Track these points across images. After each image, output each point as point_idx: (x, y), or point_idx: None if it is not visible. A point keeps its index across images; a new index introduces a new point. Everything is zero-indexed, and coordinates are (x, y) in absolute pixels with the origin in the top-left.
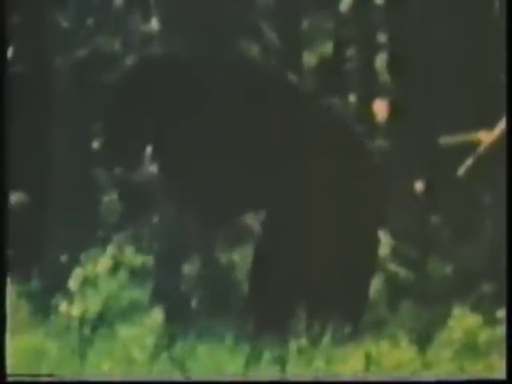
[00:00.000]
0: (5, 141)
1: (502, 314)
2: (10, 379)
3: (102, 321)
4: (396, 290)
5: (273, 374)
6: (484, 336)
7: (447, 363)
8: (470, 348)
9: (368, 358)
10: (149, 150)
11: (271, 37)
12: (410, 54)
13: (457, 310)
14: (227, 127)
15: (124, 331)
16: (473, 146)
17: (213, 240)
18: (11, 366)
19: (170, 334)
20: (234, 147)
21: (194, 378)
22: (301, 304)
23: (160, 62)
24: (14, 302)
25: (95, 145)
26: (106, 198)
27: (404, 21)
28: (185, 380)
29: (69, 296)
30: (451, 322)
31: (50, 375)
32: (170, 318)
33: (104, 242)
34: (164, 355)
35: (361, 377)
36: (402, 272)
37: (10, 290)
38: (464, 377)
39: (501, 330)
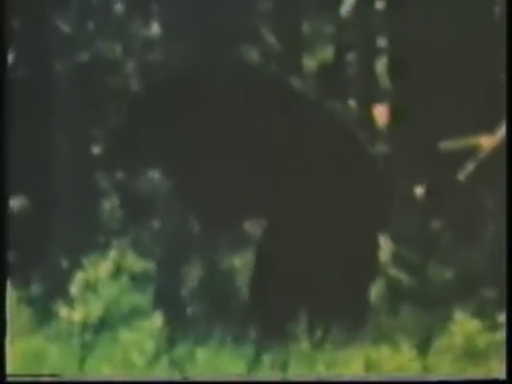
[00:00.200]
0: (5, 145)
1: (502, 318)
2: (9, 379)
3: (103, 325)
4: (397, 295)
5: (274, 378)
6: (484, 341)
7: (447, 368)
8: (471, 353)
9: (369, 362)
10: (151, 156)
11: (271, 41)
12: (410, 58)
13: (457, 315)
14: (229, 132)
15: (124, 335)
16: (474, 150)
17: (214, 245)
18: (12, 370)
19: (170, 339)
20: (235, 152)
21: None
22: (302, 308)
23: (162, 69)
24: (14, 306)
25: (96, 150)
26: (107, 203)
27: (404, 25)
28: (183, 381)
29: (70, 301)
30: (452, 327)
31: (49, 375)
32: (170, 322)
33: (105, 247)
34: (164, 359)
35: (362, 378)
36: (403, 276)
37: (11, 295)
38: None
39: (501, 335)
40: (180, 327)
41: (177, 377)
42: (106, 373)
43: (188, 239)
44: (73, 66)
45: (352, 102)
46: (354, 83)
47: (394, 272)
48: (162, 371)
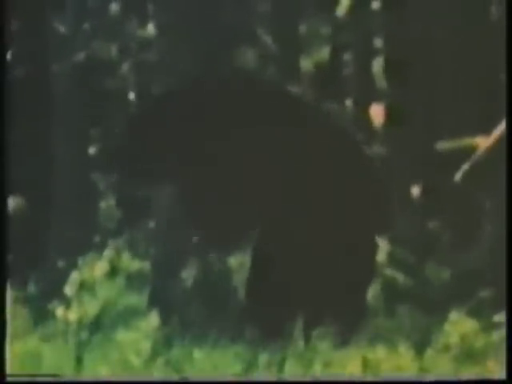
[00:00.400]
0: (4, 145)
1: (498, 319)
2: (9, 379)
3: (99, 325)
4: (393, 295)
5: (270, 378)
6: (481, 341)
7: (444, 368)
8: (467, 353)
9: (365, 363)
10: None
11: (268, 42)
12: (406, 58)
13: (454, 315)
14: (224, 134)
15: (121, 336)
16: (470, 151)
17: (210, 245)
18: (9, 370)
19: (167, 339)
20: (232, 153)
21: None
22: (298, 308)
23: (157, 70)
24: (10, 306)
25: (93, 151)
26: (103, 204)
27: (400, 25)
28: (180, 381)
29: (66, 301)
30: (448, 327)
31: (48, 375)
32: (166, 322)
33: (101, 247)
34: (160, 360)
35: (358, 379)
36: (400, 277)
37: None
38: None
39: (497, 335)
40: (176, 327)
41: (173, 377)
42: (103, 373)
43: (184, 240)
44: (69, 67)
45: (348, 103)
46: (351, 83)
47: (390, 272)
48: (158, 371)
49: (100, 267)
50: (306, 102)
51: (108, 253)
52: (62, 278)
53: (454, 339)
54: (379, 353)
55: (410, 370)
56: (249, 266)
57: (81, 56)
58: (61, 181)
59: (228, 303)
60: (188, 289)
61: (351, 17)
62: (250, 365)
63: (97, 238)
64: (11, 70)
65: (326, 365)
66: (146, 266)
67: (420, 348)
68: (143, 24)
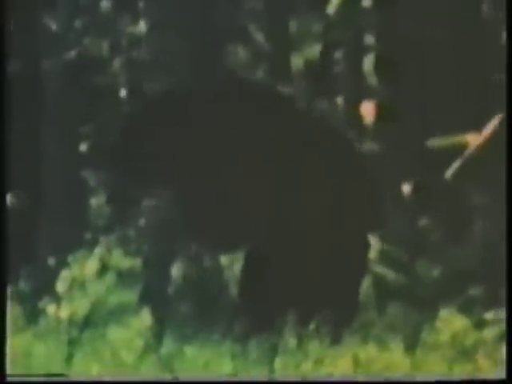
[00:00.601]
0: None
1: (490, 316)
2: (9, 379)
3: (90, 323)
4: (384, 293)
5: (261, 375)
6: (472, 338)
7: (435, 365)
8: (458, 350)
9: (356, 361)
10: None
11: (260, 40)
12: (397, 56)
13: (445, 313)
14: (217, 135)
15: (112, 333)
16: (461, 148)
17: (201, 242)
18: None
19: (158, 336)
20: (225, 153)
21: (182, 379)
22: (290, 306)
23: (149, 68)
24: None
25: (83, 148)
26: (94, 201)
27: (392, 23)
28: (173, 380)
29: (57, 298)
30: (439, 325)
31: (49, 375)
32: (158, 319)
33: (92, 245)
34: (152, 357)
35: (349, 377)
36: (391, 274)
37: None
38: (454, 378)
39: (488, 333)
40: (168, 324)
41: (165, 374)
42: (94, 370)
43: (175, 237)
44: (61, 64)
45: (340, 100)
46: (342, 81)
47: (381, 270)
48: (150, 369)
49: (91, 264)
50: (297, 101)
51: (99, 250)
52: (53, 275)
53: (444, 336)
54: (370, 350)
55: (401, 368)
56: (241, 264)
57: (72, 53)
58: (51, 178)
59: (219, 300)
60: (179, 286)
61: (342, 14)
62: (241, 362)
63: (88, 236)
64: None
65: (317, 362)
66: (137, 263)
67: (411, 345)
68: (134, 21)
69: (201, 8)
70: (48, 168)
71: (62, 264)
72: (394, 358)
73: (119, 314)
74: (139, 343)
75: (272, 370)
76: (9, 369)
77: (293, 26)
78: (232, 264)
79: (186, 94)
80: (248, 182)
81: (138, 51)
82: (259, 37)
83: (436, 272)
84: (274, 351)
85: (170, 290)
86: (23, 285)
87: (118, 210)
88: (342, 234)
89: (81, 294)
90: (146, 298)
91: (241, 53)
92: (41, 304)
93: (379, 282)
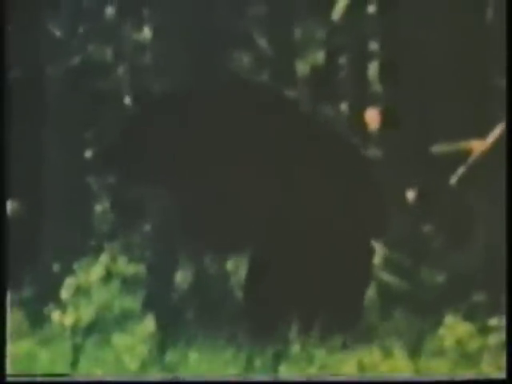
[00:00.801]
0: (3, 148)
1: (493, 322)
2: (9, 379)
3: (95, 329)
4: (388, 299)
5: (265, 381)
6: (475, 344)
7: (439, 371)
8: (462, 356)
9: (361, 366)
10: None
11: (263, 46)
12: (402, 62)
13: (449, 319)
14: (220, 138)
15: (116, 340)
16: (465, 154)
17: (206, 249)
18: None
19: (162, 343)
20: (229, 156)
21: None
22: (294, 311)
23: (153, 74)
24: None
25: (88, 154)
26: (98, 207)
27: (396, 29)
28: (175, 380)
29: (61, 305)
30: (443, 331)
31: (48, 375)
32: (162, 326)
33: (96, 251)
34: (156, 363)
35: (354, 378)
36: (395, 280)
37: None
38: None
39: (493, 339)
40: (172, 331)
41: (169, 380)
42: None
43: (179, 243)
44: (65, 70)
45: (344, 106)
46: (346, 87)
47: (385, 276)
48: (154, 375)
49: (95, 271)
50: (302, 105)
51: (103, 257)
52: (58, 281)
53: (449, 342)
54: (375, 356)
55: (405, 374)
56: (245, 270)
57: (76, 59)
58: (55, 184)
59: (224, 306)
60: (183, 292)
61: (346, 20)
62: (246, 367)
63: (92, 242)
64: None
65: (322, 368)
66: (141, 269)
67: (415, 351)
68: (139, 27)
69: (205, 14)
70: (52, 174)
71: (67, 271)
72: (398, 364)
73: (123, 320)
74: (143, 350)
75: (276, 376)
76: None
77: (297, 32)
78: (236, 270)
79: (188, 96)
80: (251, 186)
81: (141, 57)
82: (263, 43)
83: (440, 278)
84: (278, 357)
85: (174, 296)
86: (28, 291)
87: (122, 216)
88: (346, 239)
89: (85, 300)
90: (150, 305)
91: (245, 59)
92: (45, 310)
93: (383, 288)
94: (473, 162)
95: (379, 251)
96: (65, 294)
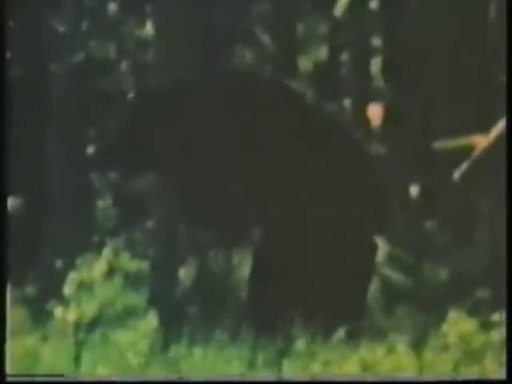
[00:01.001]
0: (4, 145)
1: (497, 318)
2: (9, 379)
3: (98, 325)
4: (392, 295)
5: (269, 378)
6: (479, 340)
7: (443, 368)
8: (465, 352)
9: (364, 363)
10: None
11: (266, 42)
12: (404, 58)
13: (452, 315)
14: (223, 132)
15: (119, 336)
16: (468, 150)
17: (210, 244)
18: (7, 370)
19: (165, 339)
20: (232, 151)
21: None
22: (298, 308)
23: (156, 71)
24: (9, 306)
25: (90, 150)
26: (100, 203)
27: (398, 25)
28: (180, 380)
29: (64, 301)
30: (447, 327)
31: (48, 375)
32: (165, 322)
33: (99, 247)
34: (159, 359)
35: (357, 378)
36: (398, 277)
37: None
38: (459, 379)
39: (496, 335)
40: (175, 327)
41: (172, 377)
42: (101, 373)
43: (182, 239)
44: (68, 66)
45: (346, 102)
46: (349, 83)
47: (388, 272)
48: (157, 371)
49: (98, 267)
50: (306, 99)
51: (106, 253)
52: (60, 277)
53: (452, 339)
54: (378, 352)
55: (408, 370)
56: (249, 266)
57: (79, 56)
58: (58, 180)
59: (227, 302)
60: (186, 288)
61: (349, 16)
62: (249, 364)
63: (95, 238)
64: (9, 69)
65: (325, 365)
66: (144, 265)
67: (419, 348)
68: (141, 24)
69: (208, 11)
70: (55, 170)
71: (70, 266)
72: (402, 361)
73: (126, 316)
74: (146, 346)
75: (280, 373)
76: (15, 371)
77: (299, 28)
78: (240, 266)
79: (191, 92)
80: (254, 181)
81: (144, 54)
82: (266, 39)
83: (443, 274)
84: (281, 353)
85: (178, 292)
86: (30, 287)
87: (125, 212)
88: (349, 236)
89: (88, 296)
90: (153, 301)
91: (248, 55)
92: (48, 306)
93: (387, 284)
94: (476, 157)
95: (382, 247)
96: (67, 289)
